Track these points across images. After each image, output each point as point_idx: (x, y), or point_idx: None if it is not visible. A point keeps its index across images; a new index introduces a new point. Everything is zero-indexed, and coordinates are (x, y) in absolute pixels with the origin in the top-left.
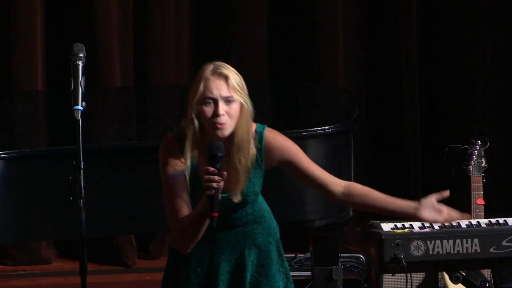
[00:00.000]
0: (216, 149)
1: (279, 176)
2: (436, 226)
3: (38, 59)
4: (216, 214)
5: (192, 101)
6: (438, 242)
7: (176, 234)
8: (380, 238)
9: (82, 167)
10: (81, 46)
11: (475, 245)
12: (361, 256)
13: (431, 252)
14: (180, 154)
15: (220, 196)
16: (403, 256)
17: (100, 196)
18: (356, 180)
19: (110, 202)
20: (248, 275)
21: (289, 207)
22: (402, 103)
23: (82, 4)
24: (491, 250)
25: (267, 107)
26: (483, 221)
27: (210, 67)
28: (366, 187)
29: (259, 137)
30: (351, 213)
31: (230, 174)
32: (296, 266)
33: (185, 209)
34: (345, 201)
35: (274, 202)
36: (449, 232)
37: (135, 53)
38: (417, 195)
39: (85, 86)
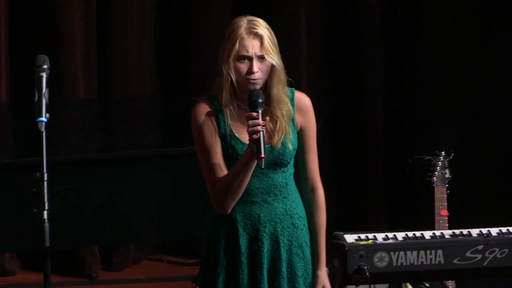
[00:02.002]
0: (257, 95)
1: None
2: (399, 237)
3: (2, 71)
4: (264, 156)
5: (227, 58)
6: (401, 253)
7: (219, 194)
8: (343, 250)
9: (46, 179)
10: (45, 57)
11: (439, 256)
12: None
13: (394, 264)
14: (213, 116)
15: (265, 140)
16: (367, 268)
17: (65, 208)
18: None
19: (75, 214)
20: (285, 254)
21: None
22: (365, 114)
23: (46, 16)
24: (455, 261)
25: None
26: (447, 232)
27: (243, 24)
28: (323, 218)
29: (291, 95)
30: None
31: (271, 126)
32: None
33: (223, 170)
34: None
35: None
36: (413, 243)
37: (99, 65)
38: (380, 207)
39: (49, 98)
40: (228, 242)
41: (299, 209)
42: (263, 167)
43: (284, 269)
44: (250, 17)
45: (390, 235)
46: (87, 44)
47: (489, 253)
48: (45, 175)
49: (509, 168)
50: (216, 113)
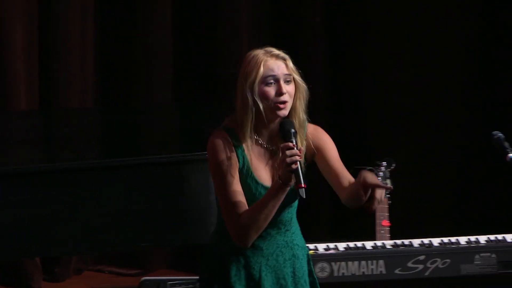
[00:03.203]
0: (289, 125)
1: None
2: (341, 248)
3: None
4: (305, 185)
5: (252, 85)
6: (343, 263)
7: (242, 228)
8: None
9: None
10: None
11: (381, 267)
12: None
13: (336, 274)
14: (233, 151)
15: (300, 169)
16: None
17: (6, 219)
18: None
19: (16, 225)
20: (291, 286)
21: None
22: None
23: None
24: (397, 271)
25: (175, 131)
26: (388, 243)
27: (261, 51)
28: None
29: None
30: None
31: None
32: None
33: (245, 204)
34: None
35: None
36: (354, 253)
37: (40, 77)
38: (321, 217)
39: None
40: (232, 275)
41: (299, 240)
42: (304, 197)
43: None
44: (266, 47)
45: (331, 245)
46: (29, 54)
47: (431, 263)
48: None
49: (451, 178)
50: (236, 148)
